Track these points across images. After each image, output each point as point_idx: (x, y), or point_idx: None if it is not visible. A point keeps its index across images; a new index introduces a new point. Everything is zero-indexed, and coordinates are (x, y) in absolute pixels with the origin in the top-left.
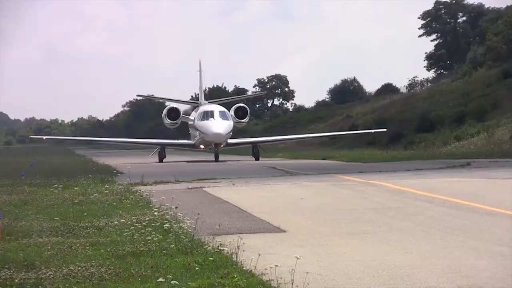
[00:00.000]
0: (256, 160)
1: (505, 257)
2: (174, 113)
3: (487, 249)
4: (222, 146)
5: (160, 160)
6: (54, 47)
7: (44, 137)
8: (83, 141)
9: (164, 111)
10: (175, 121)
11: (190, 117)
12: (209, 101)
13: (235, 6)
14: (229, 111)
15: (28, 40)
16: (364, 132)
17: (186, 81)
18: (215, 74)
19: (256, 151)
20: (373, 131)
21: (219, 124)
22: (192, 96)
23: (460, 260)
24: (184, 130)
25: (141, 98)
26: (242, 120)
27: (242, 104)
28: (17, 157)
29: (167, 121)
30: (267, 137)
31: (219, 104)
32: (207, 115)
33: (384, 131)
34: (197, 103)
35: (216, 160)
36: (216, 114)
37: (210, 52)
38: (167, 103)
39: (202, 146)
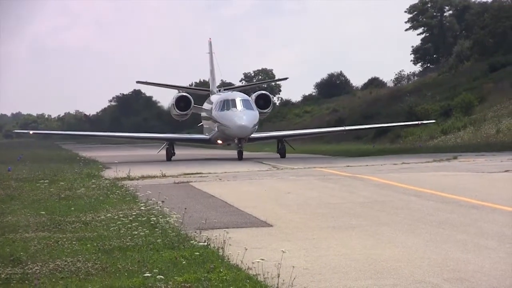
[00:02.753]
0: (282, 157)
1: (492, 251)
2: (184, 103)
3: (473, 242)
4: (245, 141)
5: (168, 158)
6: (40, 42)
7: (31, 132)
8: (78, 136)
9: (172, 100)
10: (185, 112)
11: (204, 107)
12: (225, 88)
13: (221, 1)
14: None
15: (15, 35)
16: (409, 124)
17: (173, 77)
18: (201, 68)
19: (282, 147)
20: (419, 122)
21: (244, 114)
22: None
23: (447, 253)
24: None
25: (140, 85)
26: (265, 110)
27: (263, 92)
28: (3, 151)
29: (175, 111)
30: (295, 131)
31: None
32: (228, 104)
33: (433, 122)
34: (208, 90)
35: (240, 158)
36: (239, 103)
37: (196, 47)
38: (170, 99)
39: (219, 142)
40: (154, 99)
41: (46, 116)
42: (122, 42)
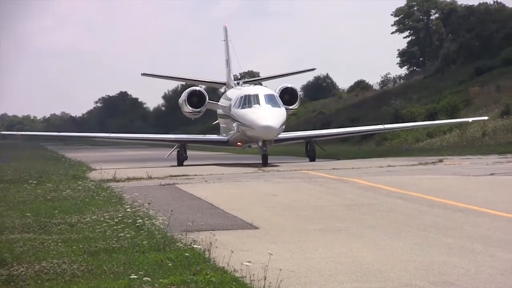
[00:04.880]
0: (311, 161)
1: (477, 254)
2: (197, 98)
3: (459, 245)
4: (271, 143)
5: (180, 163)
6: (26, 42)
7: (20, 133)
8: (71, 137)
9: (184, 95)
10: (198, 109)
11: (220, 103)
12: (244, 80)
13: (208, 2)
14: None
15: (0, 36)
16: (457, 122)
17: (160, 81)
18: (188, 69)
19: (311, 149)
20: (471, 119)
21: (269, 113)
22: (165, 93)
23: (433, 256)
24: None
25: (145, 76)
26: (291, 107)
27: (289, 85)
28: None
29: (187, 109)
30: (327, 130)
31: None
32: (250, 100)
33: (484, 119)
34: (224, 83)
35: (265, 163)
36: (262, 99)
37: (183, 48)
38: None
39: (239, 143)
40: (140, 100)
41: (32, 117)
42: (108, 43)
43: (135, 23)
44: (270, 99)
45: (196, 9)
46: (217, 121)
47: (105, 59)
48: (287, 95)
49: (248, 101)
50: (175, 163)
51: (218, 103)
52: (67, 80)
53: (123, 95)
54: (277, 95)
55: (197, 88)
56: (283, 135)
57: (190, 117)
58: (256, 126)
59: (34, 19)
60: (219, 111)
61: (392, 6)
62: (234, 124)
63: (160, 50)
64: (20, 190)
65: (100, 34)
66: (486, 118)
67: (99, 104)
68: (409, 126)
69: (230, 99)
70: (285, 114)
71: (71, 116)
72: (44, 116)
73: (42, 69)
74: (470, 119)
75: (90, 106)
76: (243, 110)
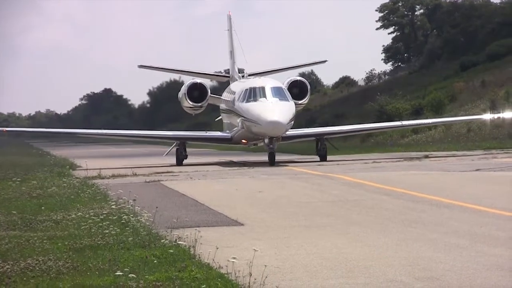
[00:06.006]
0: (322, 160)
1: (463, 249)
2: (198, 92)
3: (444, 241)
4: (279, 140)
5: (179, 162)
6: (11, 40)
7: (4, 130)
8: (58, 134)
9: (183, 89)
10: (199, 104)
11: (223, 97)
12: (250, 73)
13: (194, 0)
14: None
15: None
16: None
17: (146, 77)
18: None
19: (322, 147)
20: (490, 116)
21: (276, 107)
22: (150, 89)
23: (418, 252)
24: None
25: (143, 68)
26: (300, 101)
27: (299, 78)
28: None
29: (187, 103)
30: (339, 127)
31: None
32: (255, 93)
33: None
34: (227, 76)
35: (272, 162)
36: (269, 92)
37: (167, 46)
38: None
39: (244, 141)
40: (124, 97)
41: (17, 114)
42: (93, 40)
43: (120, 20)
44: (277, 92)
45: (181, 6)
46: (220, 117)
47: (89, 56)
48: (296, 89)
49: (253, 94)
50: (174, 162)
51: (221, 97)
52: (51, 78)
53: (108, 92)
54: (285, 87)
55: (198, 80)
56: (292, 132)
57: (190, 112)
58: (262, 121)
59: (18, 17)
60: (222, 105)
61: (377, 2)
62: (238, 120)
63: (145, 47)
64: (5, 188)
65: (85, 31)
66: (511, 115)
67: (83, 101)
68: (429, 123)
69: (234, 93)
70: (294, 108)
71: (56, 113)
72: (29, 114)
73: (27, 66)
74: (489, 116)
75: (75, 103)
76: (247, 104)
